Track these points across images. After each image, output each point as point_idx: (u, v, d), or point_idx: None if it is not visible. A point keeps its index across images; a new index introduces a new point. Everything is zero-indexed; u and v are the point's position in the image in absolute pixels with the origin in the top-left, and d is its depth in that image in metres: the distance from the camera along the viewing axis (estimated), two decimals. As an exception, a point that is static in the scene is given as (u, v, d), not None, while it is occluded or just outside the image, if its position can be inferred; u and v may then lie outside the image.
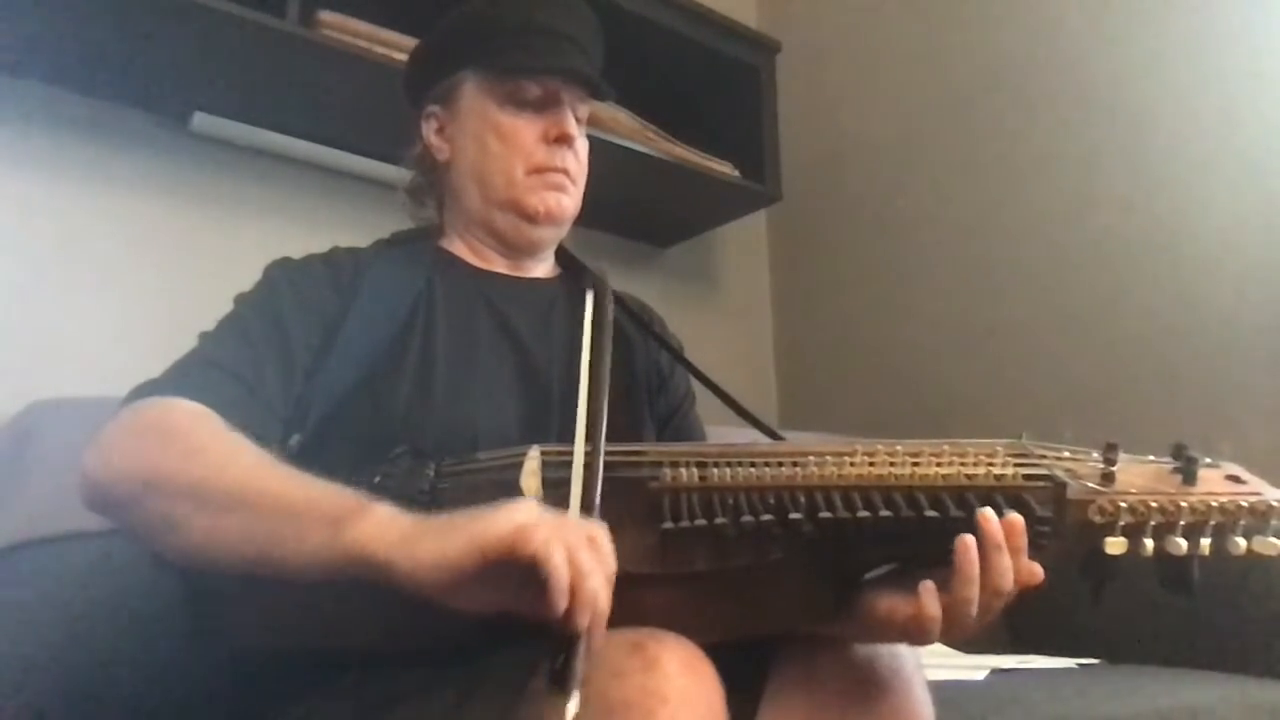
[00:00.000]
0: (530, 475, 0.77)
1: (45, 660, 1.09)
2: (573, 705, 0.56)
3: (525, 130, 1.05)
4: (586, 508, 0.72)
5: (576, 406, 0.87)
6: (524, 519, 0.61)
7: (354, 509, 0.67)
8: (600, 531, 0.63)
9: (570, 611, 0.59)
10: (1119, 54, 1.89)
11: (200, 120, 1.61)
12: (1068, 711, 1.18)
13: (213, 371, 0.86)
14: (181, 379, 0.85)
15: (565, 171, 1.06)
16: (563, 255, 1.16)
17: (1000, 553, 0.70)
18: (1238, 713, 1.30)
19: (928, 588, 0.71)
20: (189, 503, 0.73)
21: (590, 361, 0.89)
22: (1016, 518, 0.71)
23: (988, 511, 0.70)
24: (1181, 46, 1.80)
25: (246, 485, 0.72)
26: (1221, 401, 1.68)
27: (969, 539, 0.70)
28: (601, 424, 0.82)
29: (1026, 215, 2.02)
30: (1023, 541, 0.71)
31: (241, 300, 0.96)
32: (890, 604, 0.74)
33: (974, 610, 0.70)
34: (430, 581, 0.62)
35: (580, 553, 0.60)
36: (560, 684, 0.57)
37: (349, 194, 1.78)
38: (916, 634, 0.73)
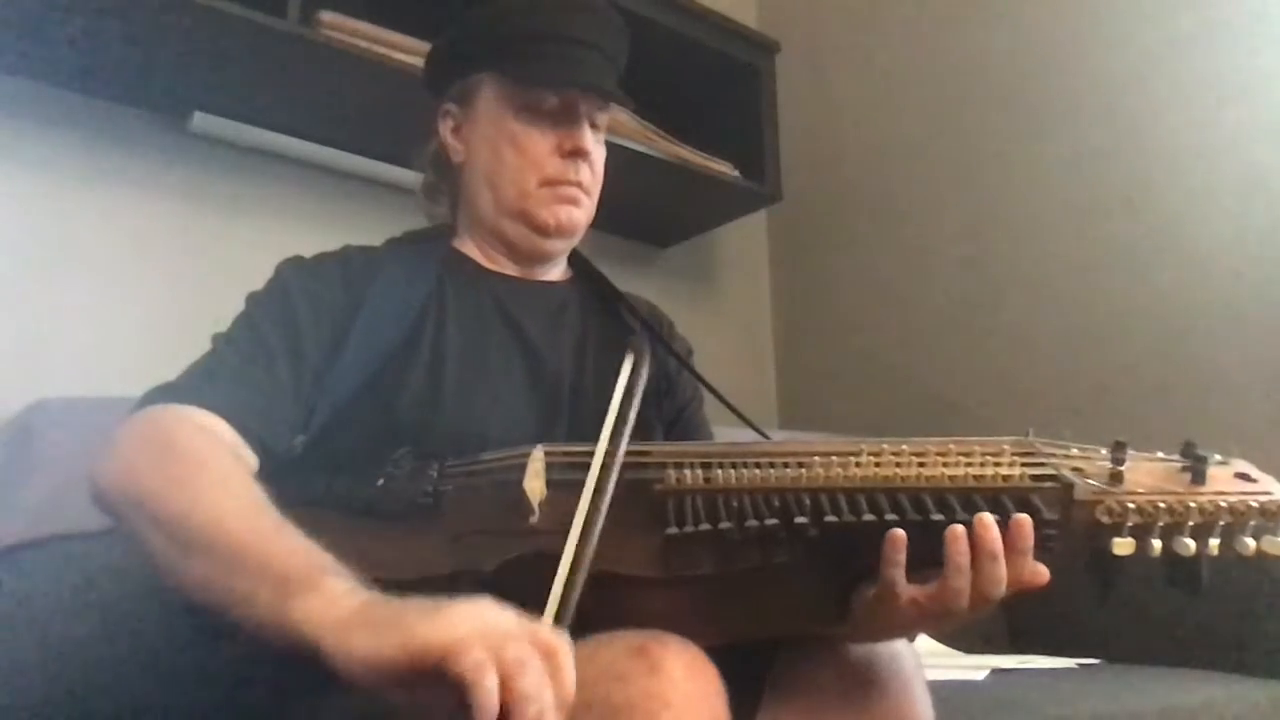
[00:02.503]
0: (534, 476, 0.77)
1: (45, 660, 1.09)
2: None
3: (540, 142, 1.03)
4: (560, 615, 0.64)
5: (586, 407, 0.86)
6: (465, 630, 0.54)
7: (304, 579, 0.62)
8: (561, 646, 0.55)
9: None
10: (1119, 54, 1.89)
11: (200, 120, 1.61)
12: (1068, 711, 1.18)
13: (225, 376, 0.86)
14: (196, 384, 0.84)
15: (578, 184, 1.05)
16: (575, 258, 1.15)
17: (994, 562, 0.69)
18: (1238, 713, 1.31)
19: (894, 535, 0.70)
20: (163, 534, 0.72)
21: (612, 434, 0.82)
22: (1024, 519, 0.70)
23: (986, 518, 0.70)
24: (1181, 46, 1.80)
25: (217, 530, 0.69)
26: (1222, 400, 1.68)
27: (959, 529, 0.69)
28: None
29: (1026, 214, 2.02)
30: (1029, 544, 0.70)
31: (253, 300, 0.95)
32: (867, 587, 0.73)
33: (964, 602, 0.70)
34: (358, 676, 0.57)
35: (524, 675, 0.52)
36: None
37: (349, 194, 1.77)
38: (934, 612, 0.72)
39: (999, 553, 0.69)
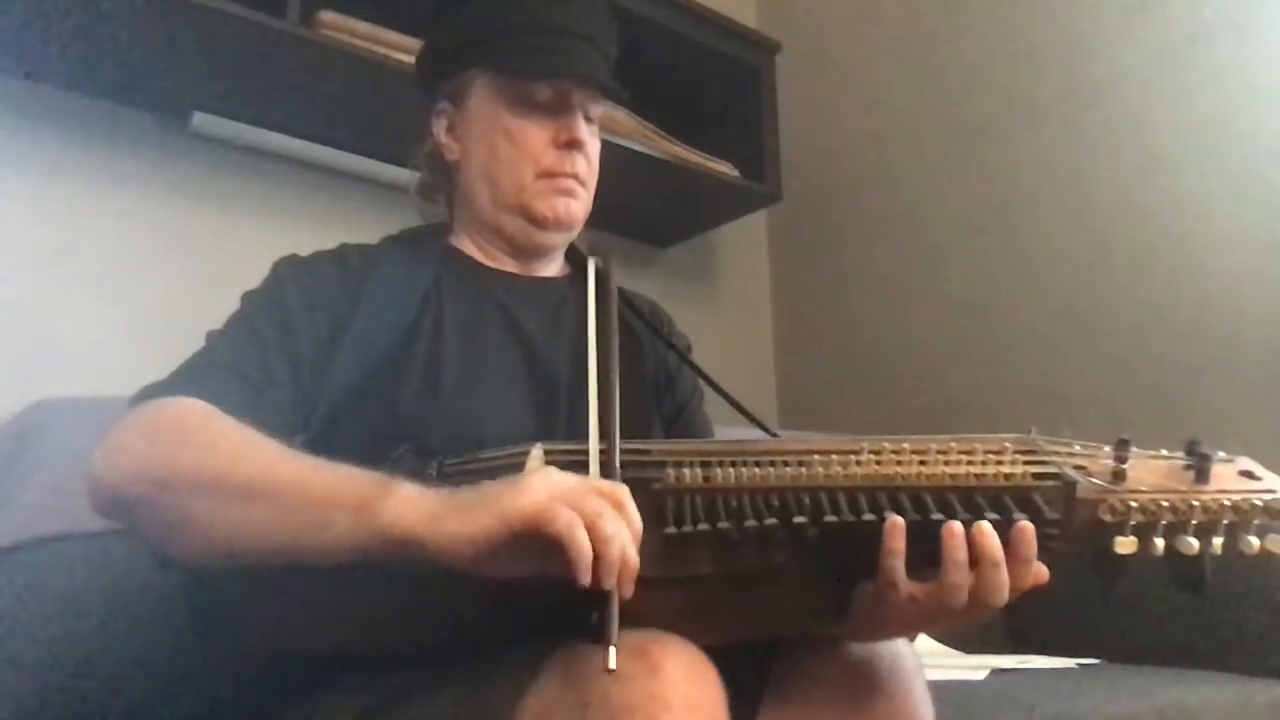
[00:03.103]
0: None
1: (45, 660, 1.09)
2: (612, 653, 0.59)
3: (535, 134, 1.03)
4: (608, 469, 0.74)
5: (584, 404, 0.86)
6: (546, 494, 0.64)
7: (379, 491, 0.68)
8: (622, 491, 0.66)
9: (598, 576, 0.61)
10: (1119, 54, 1.89)
11: (200, 120, 1.61)
12: (1068, 711, 1.18)
13: (221, 371, 0.86)
14: (189, 379, 0.84)
15: (575, 176, 1.04)
16: (573, 254, 1.15)
17: (996, 569, 0.69)
18: (1238, 713, 1.31)
19: (894, 523, 0.70)
20: (210, 497, 0.73)
21: (598, 329, 0.90)
22: (1026, 526, 0.70)
23: (985, 527, 0.69)
24: (1181, 46, 1.80)
25: (269, 474, 0.73)
26: (1224, 400, 1.68)
27: (955, 525, 0.69)
28: (614, 393, 0.83)
29: (1026, 214, 2.02)
30: (1032, 551, 0.70)
31: (249, 298, 0.95)
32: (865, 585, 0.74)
33: (962, 598, 0.70)
34: (461, 556, 0.64)
35: (602, 520, 0.62)
36: (599, 638, 0.60)
37: (349, 194, 1.77)
38: (936, 609, 0.72)
39: (1000, 560, 0.69)
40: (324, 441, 0.89)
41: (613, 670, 0.58)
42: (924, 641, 1.63)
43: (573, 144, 1.03)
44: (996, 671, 1.39)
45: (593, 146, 1.07)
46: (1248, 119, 1.70)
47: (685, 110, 2.09)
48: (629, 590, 0.63)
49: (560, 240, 1.10)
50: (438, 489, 0.69)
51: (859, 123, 2.39)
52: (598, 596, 0.62)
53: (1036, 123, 2.02)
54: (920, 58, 2.26)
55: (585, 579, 0.61)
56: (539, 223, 1.05)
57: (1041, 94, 2.01)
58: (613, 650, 0.59)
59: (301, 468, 0.73)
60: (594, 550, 0.61)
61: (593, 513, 0.62)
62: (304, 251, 1.01)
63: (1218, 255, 1.72)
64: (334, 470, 0.72)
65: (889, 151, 2.31)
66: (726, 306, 2.45)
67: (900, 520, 0.70)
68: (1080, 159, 1.94)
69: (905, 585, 0.70)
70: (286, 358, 0.90)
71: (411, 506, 0.67)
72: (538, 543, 0.62)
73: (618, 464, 0.75)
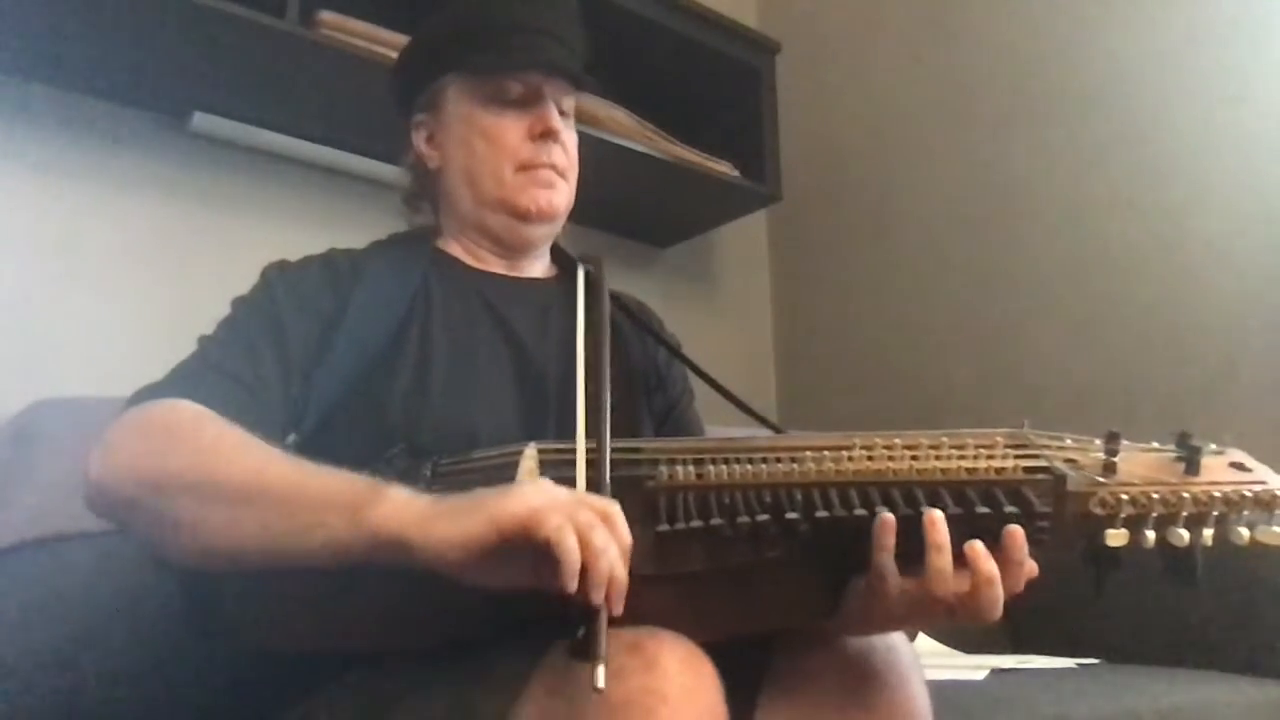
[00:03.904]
0: (527, 474, 0.77)
1: (45, 660, 1.09)
2: (600, 672, 0.58)
3: (510, 129, 1.05)
4: (597, 485, 0.74)
5: (575, 405, 0.87)
6: (539, 501, 0.64)
7: (368, 494, 0.69)
8: (613, 507, 0.66)
9: (586, 588, 0.61)
10: (1119, 54, 1.89)
11: (200, 120, 1.61)
12: (1068, 711, 1.17)
13: (212, 375, 0.86)
14: (181, 382, 0.85)
15: (553, 167, 1.06)
16: (559, 255, 1.16)
17: (991, 586, 0.69)
18: (1238, 713, 1.30)
19: (885, 520, 0.70)
20: (201, 499, 0.73)
21: (586, 341, 0.90)
22: (1016, 531, 0.70)
23: (979, 547, 0.69)
24: (1181, 46, 1.80)
25: (260, 476, 0.73)
26: (1221, 400, 1.68)
27: (935, 514, 0.69)
28: (605, 397, 0.82)
29: (1026, 214, 2.02)
30: (1023, 554, 0.70)
31: (239, 303, 0.96)
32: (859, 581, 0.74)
33: (949, 585, 0.69)
34: (450, 560, 0.64)
35: (593, 531, 0.62)
36: (584, 654, 0.60)
37: (349, 194, 1.78)
38: (920, 608, 0.72)
39: (996, 579, 0.69)
40: (316, 443, 0.89)
41: (600, 690, 0.58)
42: (924, 641, 1.63)
43: (548, 134, 1.05)
44: (996, 671, 1.39)
45: (569, 137, 1.09)
46: (1248, 119, 1.70)
47: (685, 110, 2.10)
48: (618, 607, 0.63)
49: (544, 233, 1.10)
50: (428, 493, 0.69)
51: (859, 123, 2.39)
52: (584, 612, 0.62)
53: (1036, 122, 2.01)
54: (920, 58, 2.26)
55: (572, 586, 0.61)
56: (522, 216, 1.06)
57: (1041, 94, 2.01)
58: (601, 669, 0.58)
59: (291, 470, 0.74)
60: (583, 561, 0.61)
61: (585, 524, 0.62)
62: (304, 251, 1.02)
63: (1217, 255, 1.72)
64: (323, 473, 0.73)
65: (889, 152, 2.31)
66: (726, 306, 2.45)
67: (891, 516, 0.70)
68: (1080, 159, 1.93)
69: (896, 579, 0.70)
70: (277, 360, 0.90)
71: (401, 509, 0.67)
72: (527, 549, 0.62)
73: (607, 470, 0.75)
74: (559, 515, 0.62)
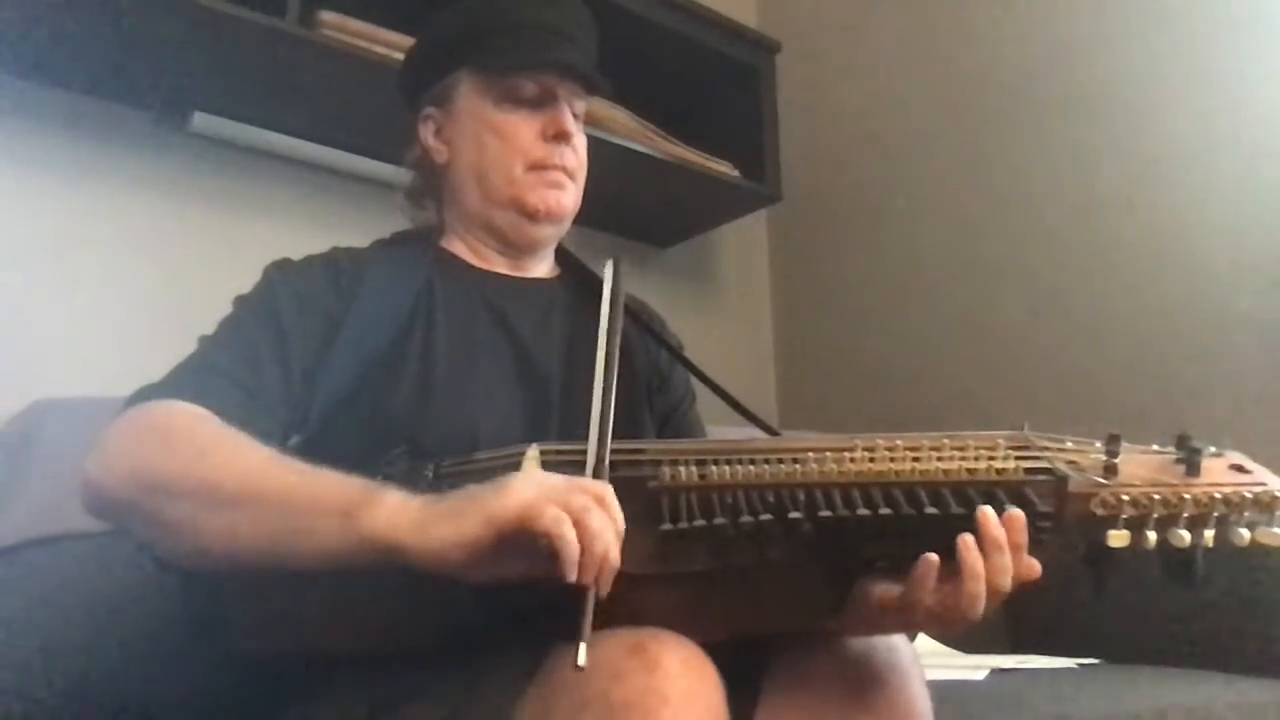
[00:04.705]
0: (529, 476, 0.77)
1: (45, 661, 1.09)
2: (582, 649, 0.59)
3: (523, 128, 1.04)
4: (597, 469, 0.74)
5: (577, 405, 0.87)
6: (533, 493, 0.64)
7: (365, 498, 0.69)
8: (607, 489, 0.67)
9: (584, 571, 0.62)
10: (1119, 54, 1.89)
11: (200, 120, 1.61)
12: (1068, 711, 1.18)
13: (212, 375, 0.86)
14: (181, 383, 0.85)
15: (564, 168, 1.06)
16: (563, 255, 1.16)
17: (1000, 552, 0.70)
18: (1238, 713, 1.30)
19: (928, 560, 0.71)
20: (197, 502, 0.73)
21: (606, 339, 0.91)
22: (1017, 513, 0.70)
23: (988, 510, 0.70)
24: (1181, 46, 1.80)
25: (255, 480, 0.73)
26: (1220, 399, 1.68)
27: (969, 538, 0.70)
28: (611, 395, 0.83)
29: (1026, 214, 2.02)
30: (1023, 538, 0.71)
31: (240, 302, 0.96)
32: (885, 588, 0.74)
33: (980, 607, 0.70)
34: (450, 560, 0.65)
35: (588, 515, 0.63)
36: (570, 636, 0.61)
37: (349, 194, 1.77)
38: (908, 614, 0.73)
39: (1004, 543, 0.70)
40: (318, 444, 0.89)
41: (581, 668, 0.59)
42: (924, 641, 1.63)
43: (560, 136, 1.05)
44: (996, 671, 1.39)
45: (580, 140, 1.09)
46: (1248, 119, 1.70)
47: (685, 110, 2.09)
48: (606, 587, 0.64)
49: (551, 233, 1.10)
50: (422, 496, 0.69)
51: (859, 123, 2.39)
52: (571, 591, 0.63)
53: (1037, 122, 2.01)
54: (921, 57, 2.26)
55: (573, 575, 0.62)
56: (531, 215, 1.05)
57: (1041, 94, 2.01)
58: (583, 647, 0.59)
59: (287, 474, 0.74)
60: (580, 545, 0.62)
61: (579, 508, 0.63)
62: (304, 251, 1.02)
63: (1217, 256, 1.72)
64: (320, 477, 0.73)
65: (889, 151, 2.31)
66: (726, 306, 2.45)
67: (934, 558, 0.70)
68: (1080, 159, 1.93)
69: (931, 599, 0.71)
70: (279, 360, 0.90)
71: (395, 515, 0.67)
72: (525, 542, 0.63)
73: (607, 463, 0.75)
74: (554, 506, 0.63)
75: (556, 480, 0.67)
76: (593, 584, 0.63)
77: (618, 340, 0.91)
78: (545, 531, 0.62)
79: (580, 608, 0.62)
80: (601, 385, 0.85)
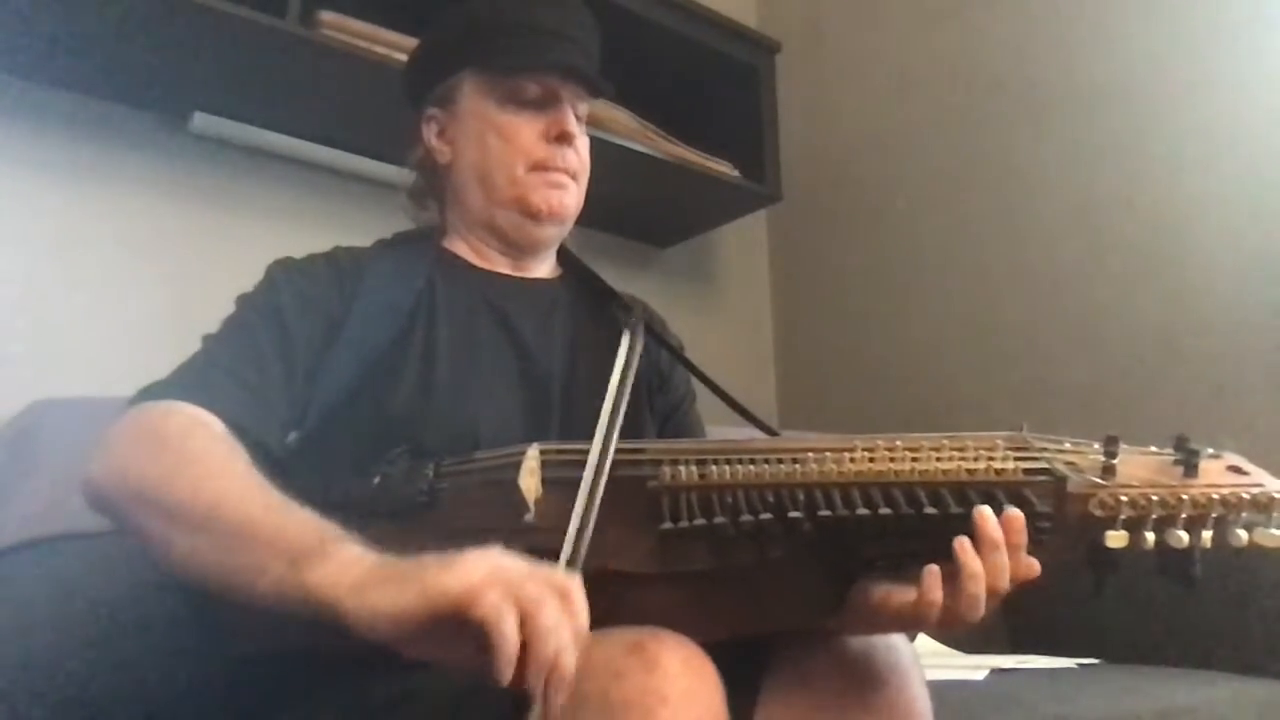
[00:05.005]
0: (529, 474, 0.77)
1: (45, 661, 1.09)
2: None
3: (526, 129, 1.04)
4: (572, 558, 0.67)
5: (577, 406, 0.86)
6: (480, 576, 0.57)
7: (316, 547, 0.64)
8: (573, 584, 0.58)
9: (522, 675, 0.55)
10: (1119, 54, 1.89)
11: (200, 120, 1.61)
12: (1068, 711, 1.18)
13: (216, 374, 0.86)
14: (186, 382, 0.85)
15: (566, 170, 1.06)
16: (565, 255, 1.16)
17: (998, 552, 0.70)
18: (1238, 713, 1.30)
19: (932, 572, 0.71)
20: (169, 520, 0.73)
21: (611, 408, 0.85)
22: (1016, 513, 0.71)
23: (985, 510, 0.70)
24: (1181, 46, 1.80)
25: (222, 507, 0.71)
26: (1219, 399, 1.68)
27: (966, 540, 0.70)
28: (608, 460, 0.80)
29: (1026, 214, 2.02)
30: (1022, 539, 0.71)
31: (244, 301, 0.96)
32: (886, 591, 0.74)
33: (980, 606, 0.70)
34: (380, 632, 0.59)
35: (542, 611, 0.55)
36: None
37: (349, 194, 1.78)
38: (914, 621, 0.73)
39: (1001, 543, 0.70)
40: (319, 443, 0.90)
41: None
42: (924, 641, 1.63)
43: (563, 137, 1.05)
44: (996, 671, 1.39)
45: (583, 142, 1.09)
46: (1248, 118, 1.70)
47: (685, 110, 2.10)
48: (559, 698, 0.55)
49: (554, 234, 1.10)
50: (388, 555, 0.63)
51: (859, 123, 2.39)
52: (518, 699, 0.55)
53: (1036, 123, 2.01)
54: (921, 58, 2.26)
55: (505, 677, 0.54)
56: (533, 215, 1.05)
57: (1041, 95, 2.01)
58: None
59: (256, 503, 0.71)
60: (526, 643, 0.54)
61: (531, 601, 0.55)
62: (303, 251, 1.02)
63: (1216, 257, 1.72)
64: (285, 515, 0.69)
65: (889, 151, 2.31)
66: (726, 306, 2.45)
67: (937, 570, 0.70)
68: (1080, 160, 1.93)
69: (941, 601, 0.71)
70: (281, 359, 0.90)
71: (339, 572, 0.62)
72: (463, 628, 0.55)
73: (583, 554, 0.69)
74: (498, 592, 0.55)
75: (516, 565, 0.59)
76: (538, 690, 0.55)
77: (624, 406, 0.87)
78: (481, 620, 0.54)
79: (521, 717, 0.54)
80: (597, 459, 0.78)
